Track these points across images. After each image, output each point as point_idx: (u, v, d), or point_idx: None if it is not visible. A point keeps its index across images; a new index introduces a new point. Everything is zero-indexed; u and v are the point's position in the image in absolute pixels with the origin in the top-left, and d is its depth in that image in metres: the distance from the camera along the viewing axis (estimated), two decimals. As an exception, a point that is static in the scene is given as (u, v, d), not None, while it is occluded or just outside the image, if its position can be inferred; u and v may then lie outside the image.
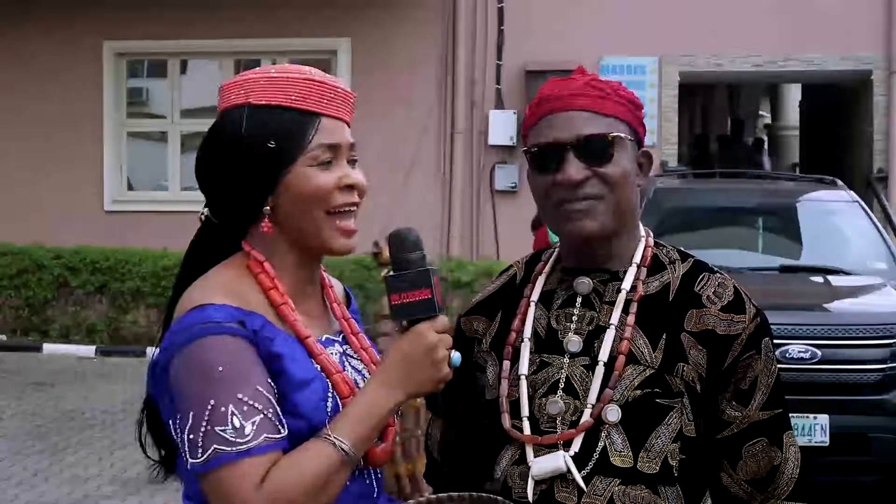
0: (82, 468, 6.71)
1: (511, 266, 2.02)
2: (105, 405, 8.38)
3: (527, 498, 1.78)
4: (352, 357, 1.82)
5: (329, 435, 1.63)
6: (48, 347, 10.53)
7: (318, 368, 1.71)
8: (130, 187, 12.03)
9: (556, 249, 1.95)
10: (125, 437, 7.42)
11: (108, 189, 11.77)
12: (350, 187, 1.74)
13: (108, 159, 11.77)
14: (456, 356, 1.71)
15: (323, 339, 1.77)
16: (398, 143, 10.97)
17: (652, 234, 1.93)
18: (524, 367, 1.83)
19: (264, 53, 11.73)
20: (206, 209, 1.80)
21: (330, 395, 1.70)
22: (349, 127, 1.78)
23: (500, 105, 11.31)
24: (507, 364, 1.86)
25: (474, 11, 11.36)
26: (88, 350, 10.48)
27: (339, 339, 1.83)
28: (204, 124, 11.71)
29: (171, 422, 1.67)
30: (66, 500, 6.12)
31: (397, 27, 11.40)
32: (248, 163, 1.70)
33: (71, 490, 6.27)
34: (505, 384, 1.85)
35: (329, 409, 1.68)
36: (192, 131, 12.07)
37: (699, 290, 1.84)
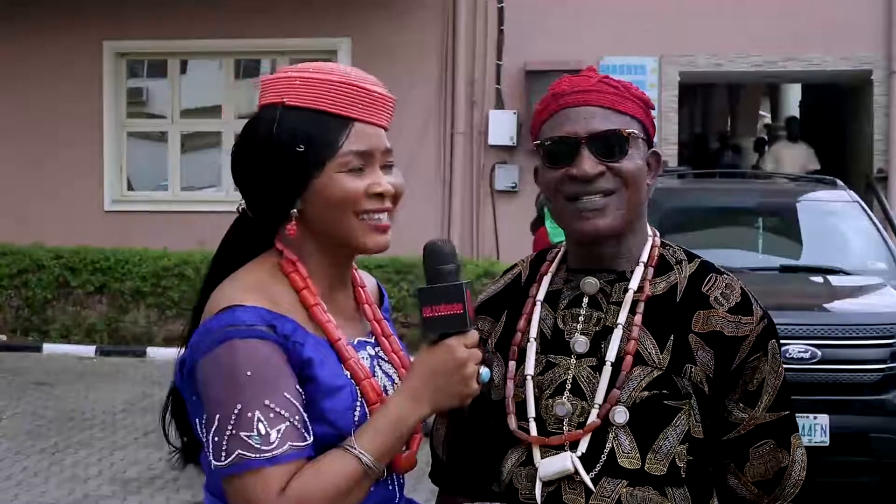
0: (82, 468, 6.70)
1: (516, 265, 2.00)
2: (105, 405, 8.37)
3: (534, 499, 1.77)
4: (383, 360, 1.80)
5: (353, 447, 1.62)
6: (48, 347, 10.51)
7: (348, 375, 1.69)
8: (130, 187, 12.02)
9: (562, 249, 1.94)
10: (125, 437, 7.42)
11: (108, 189, 11.76)
12: (380, 195, 1.71)
13: (108, 159, 11.76)
14: (485, 372, 1.70)
15: (355, 342, 1.76)
16: (398, 142, 10.92)
17: (659, 234, 1.92)
18: (530, 368, 1.83)
19: (264, 53, 11.74)
20: (244, 202, 1.78)
21: (358, 402, 1.68)
22: (386, 131, 1.75)
23: (500, 105, 11.30)
24: (512, 365, 1.85)
25: (474, 11, 11.35)
26: (88, 350, 10.46)
27: (372, 340, 1.81)
28: (204, 124, 11.72)
29: (196, 420, 1.68)
30: (66, 500, 6.11)
31: (397, 27, 11.40)
32: (277, 165, 1.68)
33: (71, 490, 6.27)
34: (511, 385, 1.84)
35: (356, 417, 1.67)
36: (192, 131, 12.07)
37: (707, 291, 1.83)
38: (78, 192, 11.57)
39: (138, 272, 10.63)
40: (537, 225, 7.63)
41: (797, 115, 13.57)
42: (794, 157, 13.19)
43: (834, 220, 7.55)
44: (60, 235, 11.06)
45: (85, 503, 6.08)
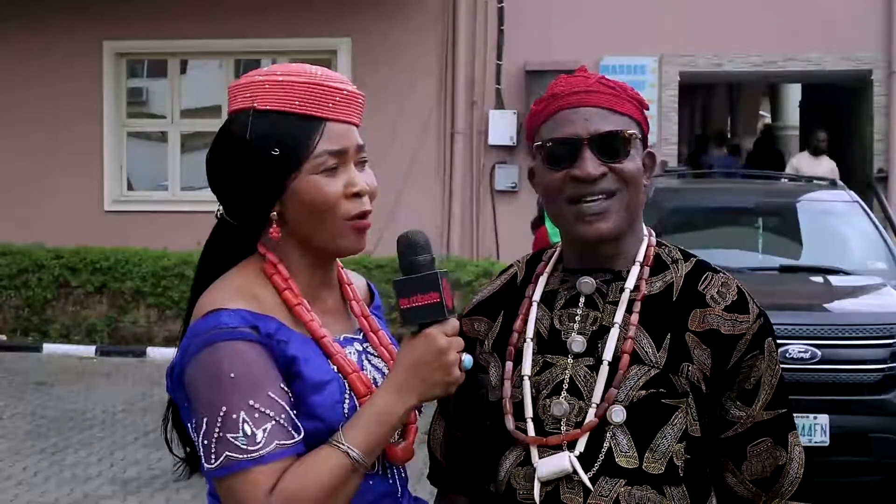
0: (82, 468, 6.70)
1: (511, 266, 2.00)
2: (105, 405, 8.37)
3: (533, 499, 1.77)
4: (371, 355, 1.81)
5: (340, 443, 1.63)
6: (48, 347, 10.52)
7: (335, 369, 1.70)
8: (130, 187, 12.02)
9: (557, 249, 1.94)
10: (125, 437, 7.42)
11: (108, 189, 11.76)
12: (357, 194, 1.72)
13: (108, 159, 11.77)
14: (467, 359, 1.70)
15: (341, 338, 1.77)
16: (398, 142, 10.97)
17: (654, 234, 1.92)
18: (527, 368, 1.82)
19: (264, 53, 11.73)
20: (221, 207, 1.79)
21: (347, 395, 1.69)
22: (358, 127, 1.76)
23: (500, 105, 11.31)
24: (509, 365, 1.85)
25: (474, 11, 11.35)
26: (88, 350, 10.47)
27: (360, 337, 1.82)
28: (204, 124, 11.72)
29: (188, 425, 1.69)
30: (66, 500, 6.11)
31: (397, 27, 11.40)
32: (253, 169, 1.69)
33: (71, 490, 6.27)
34: (508, 385, 1.84)
35: (346, 410, 1.68)
36: (192, 131, 12.07)
37: (703, 290, 1.83)
38: (78, 192, 11.57)
39: (138, 272, 10.63)
40: (538, 224, 7.63)
41: (824, 129, 12.40)
42: (816, 173, 11.76)
43: (834, 220, 7.56)
44: (60, 235, 11.06)
45: (85, 503, 6.08)
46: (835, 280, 6.77)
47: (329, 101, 1.71)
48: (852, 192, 7.85)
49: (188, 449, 1.84)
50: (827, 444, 5.65)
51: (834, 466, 5.73)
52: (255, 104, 1.70)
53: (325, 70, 1.76)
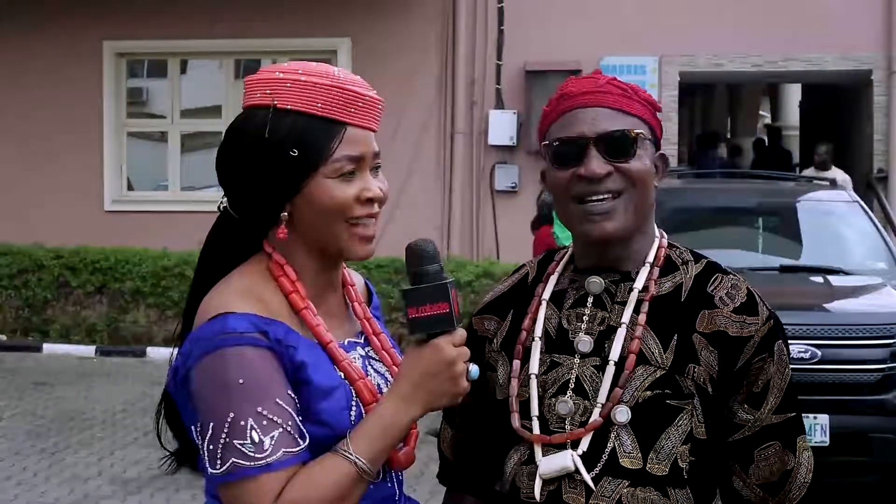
0: (82, 468, 6.70)
1: (523, 265, 2.01)
2: (105, 405, 8.37)
3: (534, 498, 1.77)
4: (374, 359, 1.80)
5: (347, 452, 1.62)
6: (48, 347, 10.51)
7: (342, 375, 1.69)
8: (130, 187, 12.02)
9: (570, 249, 1.94)
10: (125, 437, 7.42)
11: (108, 189, 11.76)
12: (370, 200, 1.71)
13: (108, 159, 11.77)
14: (474, 370, 1.69)
15: (345, 343, 1.76)
16: (398, 142, 10.97)
17: (666, 236, 1.92)
18: (534, 367, 1.83)
19: (264, 53, 11.74)
20: (225, 199, 1.76)
21: (353, 402, 1.69)
22: (375, 132, 1.75)
23: (500, 105, 11.31)
24: (517, 364, 1.85)
25: (474, 11, 11.35)
26: (88, 350, 10.46)
27: (362, 340, 1.81)
28: (204, 124, 11.68)
29: (192, 428, 1.68)
30: (66, 500, 6.11)
31: (397, 27, 11.40)
32: (268, 167, 1.67)
33: (71, 490, 6.27)
34: (515, 384, 1.84)
35: (352, 417, 1.68)
36: (192, 131, 12.07)
37: (712, 291, 1.83)
38: (78, 192, 11.57)
39: (138, 272, 10.63)
40: (538, 224, 7.64)
41: (823, 142, 12.23)
42: None
43: (834, 221, 7.56)
44: (60, 235, 11.06)
45: (85, 503, 6.08)
46: (835, 280, 6.76)
47: (351, 106, 1.69)
48: (852, 192, 7.86)
49: (180, 444, 1.82)
50: (827, 444, 5.65)
51: (834, 466, 5.73)
52: (276, 102, 1.67)
53: (346, 72, 1.74)
